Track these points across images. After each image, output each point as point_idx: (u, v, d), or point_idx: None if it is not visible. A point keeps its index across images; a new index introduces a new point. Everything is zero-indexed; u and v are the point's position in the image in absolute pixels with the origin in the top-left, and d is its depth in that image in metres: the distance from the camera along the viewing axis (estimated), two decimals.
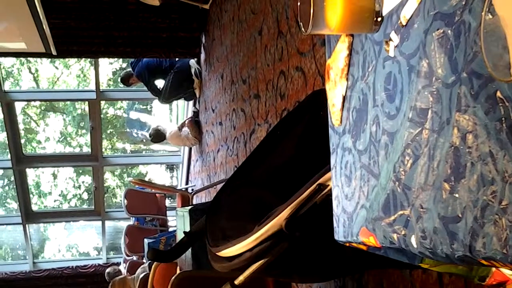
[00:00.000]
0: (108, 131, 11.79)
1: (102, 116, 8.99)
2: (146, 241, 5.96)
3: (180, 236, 3.74)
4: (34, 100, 10.68)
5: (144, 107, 11.91)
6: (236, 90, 5.24)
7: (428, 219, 0.88)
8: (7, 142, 8.26)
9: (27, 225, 8.74)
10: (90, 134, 8.62)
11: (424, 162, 0.89)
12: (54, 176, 11.78)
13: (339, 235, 1.23)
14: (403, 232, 0.95)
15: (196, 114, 7.67)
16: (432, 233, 0.86)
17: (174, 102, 8.94)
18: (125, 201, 7.58)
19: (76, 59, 10.42)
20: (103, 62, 10.26)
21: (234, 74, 5.31)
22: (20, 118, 10.25)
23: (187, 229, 3.29)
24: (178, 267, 3.77)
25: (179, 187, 8.81)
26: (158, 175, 12.06)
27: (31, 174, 10.94)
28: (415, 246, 0.92)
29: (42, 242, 11.54)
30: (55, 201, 11.85)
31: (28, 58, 10.10)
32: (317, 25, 1.00)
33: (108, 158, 9.58)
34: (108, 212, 9.20)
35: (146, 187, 7.66)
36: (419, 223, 0.90)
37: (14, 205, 10.90)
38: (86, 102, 8.83)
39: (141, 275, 4.53)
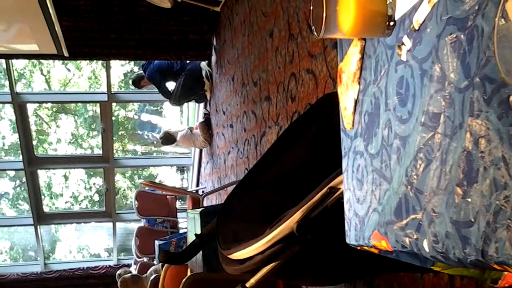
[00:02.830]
0: (119, 133, 11.82)
1: (113, 118, 9.03)
2: (156, 242, 5.98)
3: (191, 238, 3.75)
4: (46, 102, 10.72)
5: (155, 109, 11.94)
6: (247, 92, 5.24)
7: (441, 224, 0.88)
8: (19, 144, 8.31)
9: (38, 226, 8.77)
10: (101, 136, 8.65)
11: (437, 167, 0.89)
12: (66, 177, 11.82)
13: (351, 238, 1.23)
14: (415, 236, 0.95)
15: (207, 116, 7.68)
16: (445, 237, 0.86)
17: (185, 104, 8.95)
18: (136, 202, 7.60)
19: (87, 61, 10.45)
20: (115, 64, 10.29)
21: (245, 76, 5.32)
22: (32, 119, 10.30)
23: (198, 231, 3.30)
24: (189, 269, 3.78)
25: (189, 189, 8.82)
26: (168, 177, 12.08)
27: (43, 175, 10.99)
28: (427, 250, 0.92)
29: (53, 243, 11.58)
30: (66, 202, 11.89)
31: (40, 60, 10.14)
32: (330, 29, 1.01)
33: (119, 160, 9.60)
34: (119, 214, 9.23)
35: (156, 189, 7.67)
36: (431, 227, 0.90)
37: (25, 206, 10.95)
38: (98, 104, 8.87)
39: (152, 277, 4.55)
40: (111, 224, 9.18)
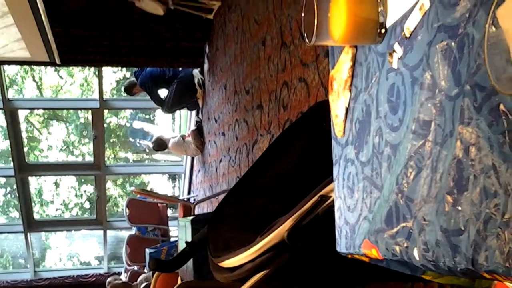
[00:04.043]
0: (111, 140, 11.80)
1: (105, 125, 9.01)
2: (147, 251, 5.96)
3: (181, 246, 3.73)
4: (38, 109, 10.68)
5: (147, 116, 11.93)
6: (239, 100, 5.24)
7: (431, 232, 0.87)
8: (10, 150, 8.27)
9: (28, 234, 8.73)
10: (93, 143, 8.63)
11: (427, 175, 0.89)
12: (56, 184, 11.77)
13: (341, 246, 1.23)
14: (405, 245, 0.95)
15: (199, 124, 7.67)
16: (435, 245, 0.86)
17: (177, 112, 8.94)
18: (127, 210, 7.58)
19: (80, 68, 10.43)
20: (107, 71, 10.27)
21: (238, 84, 5.32)
22: (23, 126, 10.26)
23: (189, 239, 3.29)
24: (179, 277, 3.76)
25: (181, 197, 8.80)
26: (160, 185, 12.06)
27: (33, 182, 10.94)
28: (417, 258, 0.91)
29: (44, 251, 11.52)
30: (56, 210, 11.85)
31: (32, 67, 10.11)
32: (321, 36, 1.00)
33: (110, 167, 9.58)
34: (110, 222, 9.19)
35: (148, 197, 7.65)
36: (421, 235, 0.90)
37: (16, 213, 10.90)
38: (89, 111, 8.85)
39: (143, 285, 4.53)
40: (101, 232, 9.15)
